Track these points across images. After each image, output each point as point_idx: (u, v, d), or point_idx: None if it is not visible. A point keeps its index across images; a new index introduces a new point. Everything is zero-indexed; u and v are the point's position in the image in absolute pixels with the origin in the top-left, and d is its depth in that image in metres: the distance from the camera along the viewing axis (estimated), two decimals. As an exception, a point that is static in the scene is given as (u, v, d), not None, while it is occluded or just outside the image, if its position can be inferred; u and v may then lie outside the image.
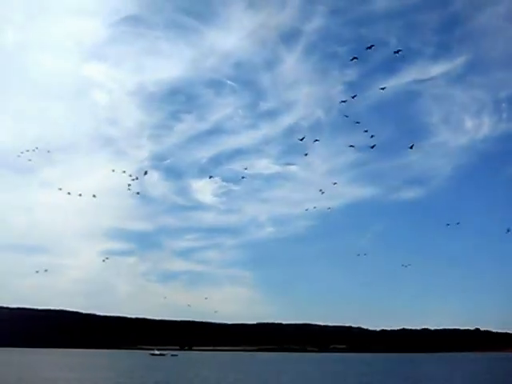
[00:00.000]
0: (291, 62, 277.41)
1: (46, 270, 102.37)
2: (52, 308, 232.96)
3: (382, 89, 61.06)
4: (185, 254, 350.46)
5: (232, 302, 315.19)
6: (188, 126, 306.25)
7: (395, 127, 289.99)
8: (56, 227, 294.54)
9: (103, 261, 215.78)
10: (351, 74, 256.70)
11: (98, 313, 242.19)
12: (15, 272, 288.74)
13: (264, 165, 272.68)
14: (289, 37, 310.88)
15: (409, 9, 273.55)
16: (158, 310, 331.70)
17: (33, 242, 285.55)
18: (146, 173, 72.91)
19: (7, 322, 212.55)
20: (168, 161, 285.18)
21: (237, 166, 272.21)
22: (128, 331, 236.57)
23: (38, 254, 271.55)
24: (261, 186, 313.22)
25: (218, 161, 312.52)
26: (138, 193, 71.81)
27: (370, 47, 46.44)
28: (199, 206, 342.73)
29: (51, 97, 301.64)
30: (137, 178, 64.51)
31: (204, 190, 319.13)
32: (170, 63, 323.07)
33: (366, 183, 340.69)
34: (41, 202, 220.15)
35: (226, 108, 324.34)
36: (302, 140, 68.82)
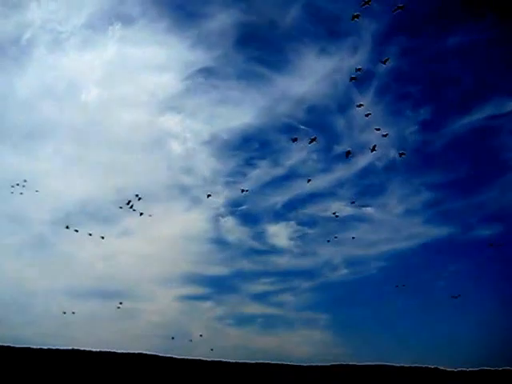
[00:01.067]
0: (364, 104, 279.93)
1: (73, 313, 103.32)
2: (131, 352, 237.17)
3: (384, 62, 48.94)
4: (260, 297, 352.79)
5: (307, 344, 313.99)
6: (262, 171, 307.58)
7: (471, 164, 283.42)
8: (135, 273, 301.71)
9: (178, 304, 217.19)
10: (425, 113, 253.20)
11: (176, 356, 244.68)
12: (95, 317, 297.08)
13: (338, 207, 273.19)
14: (361, 79, 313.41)
15: (483, 43, 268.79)
16: (233, 353, 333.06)
17: (112, 287, 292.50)
18: (139, 198, 63.93)
19: (90, 367, 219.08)
20: (243, 207, 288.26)
21: (311, 210, 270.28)
22: (205, 374, 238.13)
23: (117, 299, 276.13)
24: (335, 228, 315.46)
25: (292, 205, 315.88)
26: (150, 215, 69.53)
27: (364, 4, 41.60)
28: (274, 250, 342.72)
29: (130, 148, 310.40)
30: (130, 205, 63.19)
31: (279, 234, 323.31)
32: (243, 111, 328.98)
33: (442, 222, 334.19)
34: (121, 250, 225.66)
35: (299, 153, 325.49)
36: (294, 141, 61.26)
